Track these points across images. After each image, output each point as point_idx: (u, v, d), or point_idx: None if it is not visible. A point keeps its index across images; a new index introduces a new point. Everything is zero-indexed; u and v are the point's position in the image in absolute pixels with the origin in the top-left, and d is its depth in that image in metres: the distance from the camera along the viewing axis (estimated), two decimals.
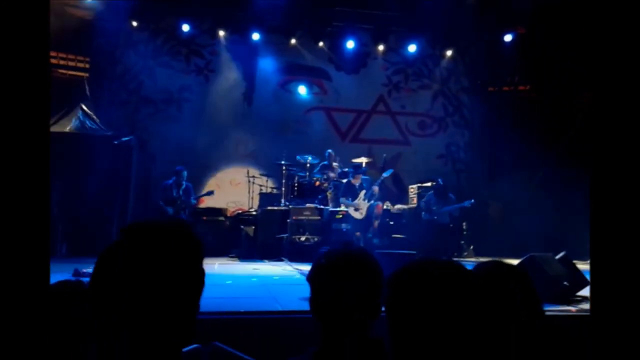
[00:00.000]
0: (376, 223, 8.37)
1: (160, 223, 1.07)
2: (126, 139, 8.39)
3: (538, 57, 10.21)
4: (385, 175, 8.40)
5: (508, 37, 10.30)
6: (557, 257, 4.76)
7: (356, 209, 8.29)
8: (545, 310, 1.72)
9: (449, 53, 11.04)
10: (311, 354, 1.40)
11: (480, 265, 1.62)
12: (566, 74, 10.01)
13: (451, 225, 8.59)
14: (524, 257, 4.43)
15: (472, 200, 8.43)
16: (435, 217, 8.54)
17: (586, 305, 4.25)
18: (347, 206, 8.40)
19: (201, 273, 1.07)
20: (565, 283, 4.46)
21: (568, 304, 4.24)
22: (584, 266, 4.93)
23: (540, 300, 1.59)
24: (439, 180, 8.82)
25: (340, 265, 1.43)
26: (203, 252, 1.08)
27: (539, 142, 9.48)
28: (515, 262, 3.78)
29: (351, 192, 8.42)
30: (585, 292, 4.63)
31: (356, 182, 8.46)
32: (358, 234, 8.17)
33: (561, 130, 9.87)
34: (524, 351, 1.39)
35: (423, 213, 8.78)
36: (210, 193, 9.02)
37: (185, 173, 8.56)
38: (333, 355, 1.38)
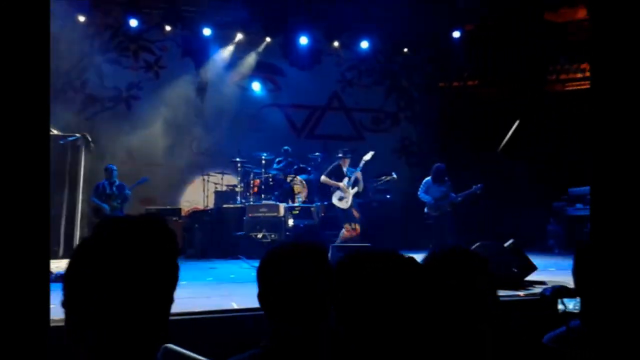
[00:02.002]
0: (356, 213, 7.70)
1: (136, 218, 1.04)
2: (72, 138, 8.08)
3: (485, 53, 10.55)
4: (366, 158, 7.67)
5: (456, 34, 10.56)
6: (506, 244, 4.96)
7: (340, 199, 7.70)
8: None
9: (400, 49, 11.22)
10: (259, 350, 1.38)
11: (439, 251, 1.60)
12: (512, 68, 10.41)
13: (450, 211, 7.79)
14: (474, 246, 4.58)
15: (481, 185, 7.70)
16: (438, 210, 7.64)
17: (534, 290, 4.50)
18: (331, 188, 7.80)
19: (176, 268, 1.05)
20: (514, 269, 4.67)
21: (517, 290, 4.46)
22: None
23: (496, 286, 1.60)
24: (438, 164, 7.89)
25: (286, 259, 1.41)
26: (178, 247, 1.06)
27: (488, 135, 9.78)
28: None
29: (338, 175, 7.77)
30: (532, 277, 4.88)
31: (344, 165, 7.82)
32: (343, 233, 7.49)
33: (507, 124, 10.25)
34: (487, 337, 1.41)
35: (427, 206, 7.73)
36: (144, 180, 8.52)
37: (116, 171, 8.20)
38: (282, 350, 1.36)
